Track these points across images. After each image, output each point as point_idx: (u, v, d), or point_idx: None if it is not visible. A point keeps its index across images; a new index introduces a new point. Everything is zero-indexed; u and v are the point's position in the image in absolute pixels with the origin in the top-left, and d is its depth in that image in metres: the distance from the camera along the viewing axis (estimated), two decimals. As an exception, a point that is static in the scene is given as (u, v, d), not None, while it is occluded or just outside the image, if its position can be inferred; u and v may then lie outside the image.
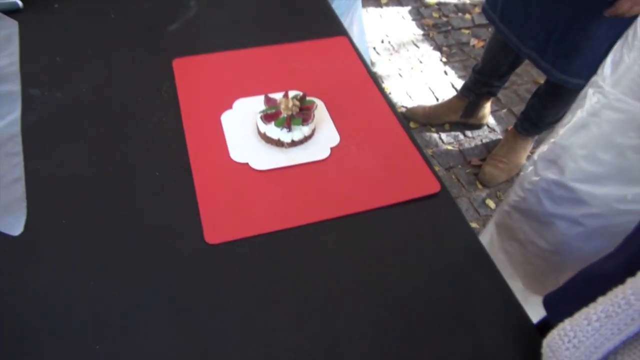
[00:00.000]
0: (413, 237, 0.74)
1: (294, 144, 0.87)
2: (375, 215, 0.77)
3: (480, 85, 1.91)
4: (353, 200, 0.79)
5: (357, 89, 0.98)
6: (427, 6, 2.53)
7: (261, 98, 0.91)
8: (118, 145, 0.81)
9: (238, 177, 0.81)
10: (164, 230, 0.71)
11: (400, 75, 2.24)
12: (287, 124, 0.85)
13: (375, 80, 0.98)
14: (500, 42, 1.65)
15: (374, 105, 0.95)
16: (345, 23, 1.25)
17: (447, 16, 2.49)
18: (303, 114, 0.87)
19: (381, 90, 0.94)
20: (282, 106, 0.86)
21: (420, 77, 2.29)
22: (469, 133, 2.12)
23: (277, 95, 0.90)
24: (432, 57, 2.32)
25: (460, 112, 2.06)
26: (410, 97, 2.16)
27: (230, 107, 0.93)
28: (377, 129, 0.91)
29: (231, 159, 0.84)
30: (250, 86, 0.96)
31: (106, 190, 0.75)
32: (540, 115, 1.71)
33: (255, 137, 0.89)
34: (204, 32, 1.03)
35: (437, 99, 2.21)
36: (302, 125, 0.86)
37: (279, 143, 0.87)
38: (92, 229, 0.70)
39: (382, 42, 2.36)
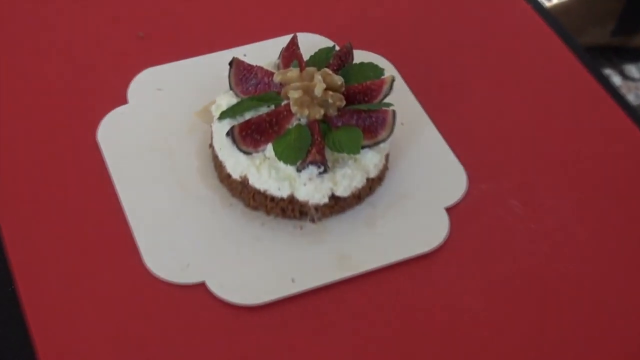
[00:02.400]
0: None
1: (337, 206, 0.67)
2: None
3: None
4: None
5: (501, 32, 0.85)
6: None
7: (213, 61, 0.75)
8: None
9: (179, 339, 0.61)
10: None
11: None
12: (317, 148, 0.64)
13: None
14: None
15: (560, 81, 0.80)
16: None
17: None
18: (361, 117, 0.66)
19: (573, 43, 0.83)
20: (294, 93, 0.64)
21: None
22: (634, 71, 1.81)
23: (261, 50, 0.76)
24: None
25: (613, 22, 1.72)
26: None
27: (122, 99, 0.75)
28: (587, 147, 0.75)
29: (148, 272, 0.63)
30: (169, 31, 0.81)
31: None
32: None
33: (210, 191, 0.68)
34: None
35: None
36: (367, 146, 0.65)
37: (291, 209, 0.66)
38: None
39: None
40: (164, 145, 0.71)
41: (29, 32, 0.81)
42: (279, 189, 0.64)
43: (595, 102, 0.78)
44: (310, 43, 0.73)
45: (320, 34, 0.79)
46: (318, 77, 0.65)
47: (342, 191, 0.65)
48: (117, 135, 0.72)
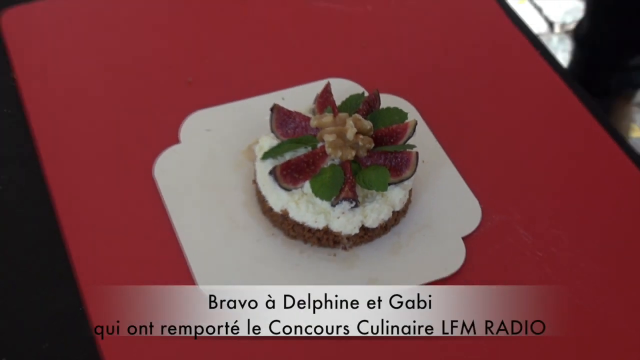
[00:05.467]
0: None
1: (366, 236, 0.75)
2: None
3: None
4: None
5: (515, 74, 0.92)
6: None
7: (255, 105, 0.83)
8: None
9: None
10: None
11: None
12: (349, 185, 0.71)
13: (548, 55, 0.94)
14: None
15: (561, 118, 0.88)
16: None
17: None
18: (388, 157, 0.74)
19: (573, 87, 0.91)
20: (329, 137, 0.73)
21: None
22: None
23: (298, 94, 0.84)
24: None
25: None
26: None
27: (175, 138, 0.83)
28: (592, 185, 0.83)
29: (200, 293, 0.70)
30: (216, 77, 0.89)
31: None
32: None
33: (254, 221, 0.76)
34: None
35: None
36: (393, 183, 0.73)
37: (326, 239, 0.74)
38: None
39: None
40: (213, 180, 0.78)
41: (93, 81, 0.87)
42: (315, 222, 0.71)
43: (600, 147, 0.84)
44: (342, 88, 0.79)
45: (350, 79, 0.86)
46: (350, 122, 0.71)
47: (371, 223, 0.72)
48: (171, 172, 0.79)
